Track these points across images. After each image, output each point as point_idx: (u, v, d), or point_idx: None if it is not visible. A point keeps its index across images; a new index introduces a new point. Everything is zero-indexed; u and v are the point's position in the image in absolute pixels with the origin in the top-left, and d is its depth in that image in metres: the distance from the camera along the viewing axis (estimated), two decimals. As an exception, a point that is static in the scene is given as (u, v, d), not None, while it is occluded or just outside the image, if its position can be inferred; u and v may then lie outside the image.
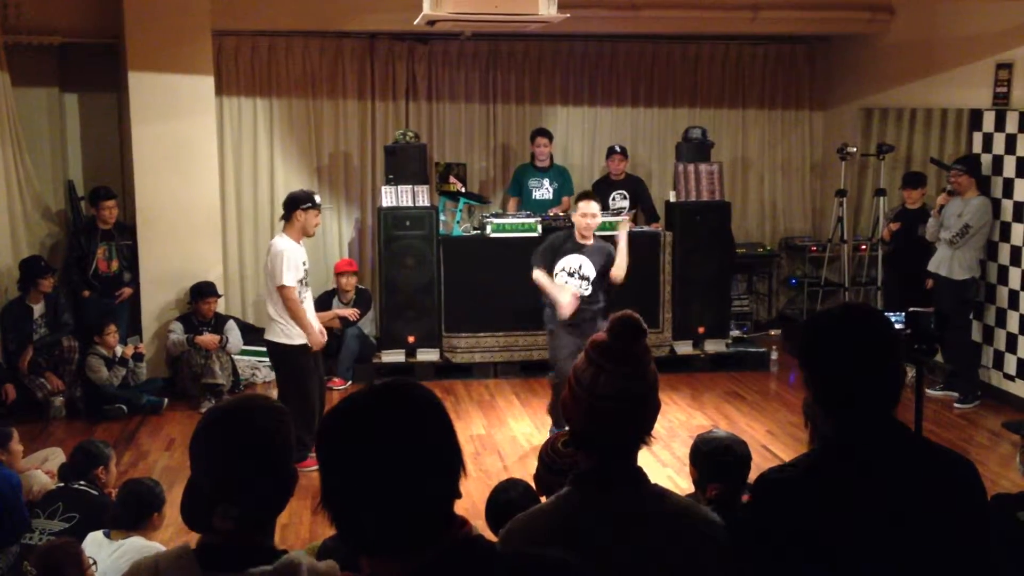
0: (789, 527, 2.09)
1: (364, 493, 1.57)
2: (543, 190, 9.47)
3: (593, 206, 6.91)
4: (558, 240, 7.03)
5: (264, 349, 7.14)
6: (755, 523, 2.18)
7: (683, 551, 2.10)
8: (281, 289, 6.46)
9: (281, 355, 6.63)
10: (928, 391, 7.93)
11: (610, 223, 8.72)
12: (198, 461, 2.16)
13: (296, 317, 6.51)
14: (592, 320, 6.76)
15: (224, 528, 2.07)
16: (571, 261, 6.92)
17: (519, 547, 2.05)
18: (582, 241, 6.91)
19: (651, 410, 2.18)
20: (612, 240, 7.00)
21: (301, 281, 6.59)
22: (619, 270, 6.86)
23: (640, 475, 2.17)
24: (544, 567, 1.70)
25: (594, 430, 2.14)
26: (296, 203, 6.58)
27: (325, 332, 6.92)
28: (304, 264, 6.64)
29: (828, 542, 2.06)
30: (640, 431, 2.16)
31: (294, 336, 6.56)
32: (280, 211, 6.80)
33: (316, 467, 1.67)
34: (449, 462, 1.63)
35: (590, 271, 6.87)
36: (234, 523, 2.06)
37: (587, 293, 6.86)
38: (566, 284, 6.86)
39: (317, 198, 6.70)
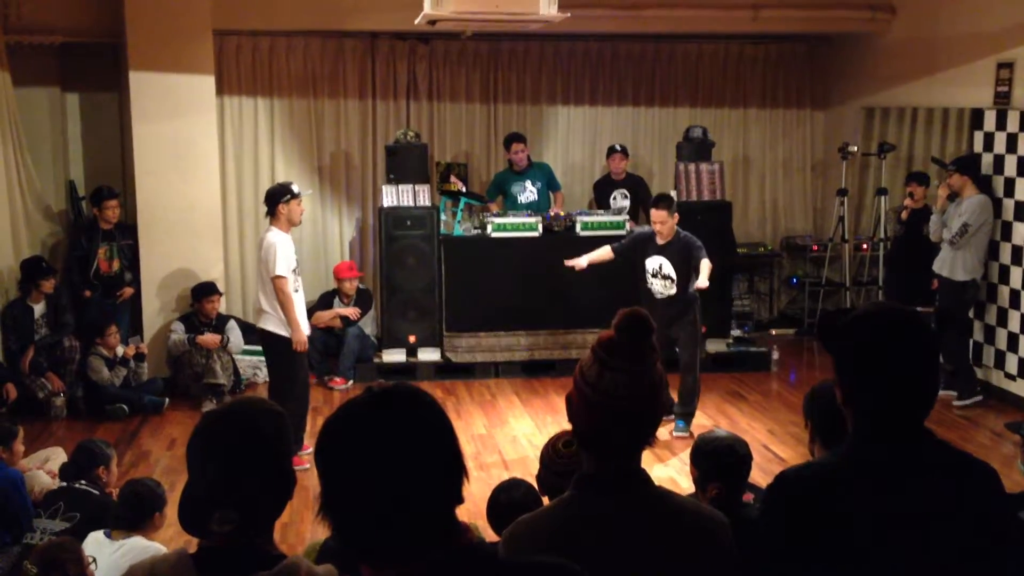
0: (806, 526, 2.08)
1: (364, 500, 1.55)
2: (527, 192, 9.45)
3: (657, 214, 7.20)
4: (642, 237, 7.45)
5: (262, 347, 7.13)
6: (771, 519, 2.17)
7: (688, 552, 2.10)
8: (276, 280, 6.55)
9: (276, 344, 6.69)
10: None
11: (612, 222, 8.78)
12: (195, 465, 2.14)
13: (286, 310, 6.60)
14: (678, 317, 7.22)
15: (222, 532, 2.06)
16: (653, 262, 7.29)
17: (521, 550, 2.05)
18: (661, 242, 7.24)
19: (655, 411, 2.16)
20: (688, 242, 7.24)
21: (293, 271, 6.71)
22: (701, 281, 7.08)
23: (643, 476, 2.16)
24: (545, 574, 1.69)
25: (597, 429, 2.13)
26: (276, 197, 6.70)
27: (308, 331, 6.93)
28: (295, 254, 6.78)
29: (845, 542, 2.05)
30: (643, 431, 2.15)
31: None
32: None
33: (306, 465, 1.66)
34: (450, 467, 1.61)
35: (670, 270, 7.20)
36: (232, 527, 2.05)
37: (672, 292, 7.21)
38: (652, 284, 7.25)
39: (295, 188, 6.82)
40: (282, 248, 6.59)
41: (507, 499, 3.65)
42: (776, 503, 2.18)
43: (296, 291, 6.71)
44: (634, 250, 7.43)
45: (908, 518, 2.05)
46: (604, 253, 7.58)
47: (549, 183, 9.61)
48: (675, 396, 7.42)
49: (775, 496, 2.18)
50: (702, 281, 7.04)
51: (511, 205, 9.40)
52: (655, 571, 2.08)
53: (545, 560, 1.76)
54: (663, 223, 7.18)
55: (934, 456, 2.14)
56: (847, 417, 2.17)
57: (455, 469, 1.61)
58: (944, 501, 2.08)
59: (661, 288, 7.25)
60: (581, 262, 7.59)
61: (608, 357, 2.11)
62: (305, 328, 6.77)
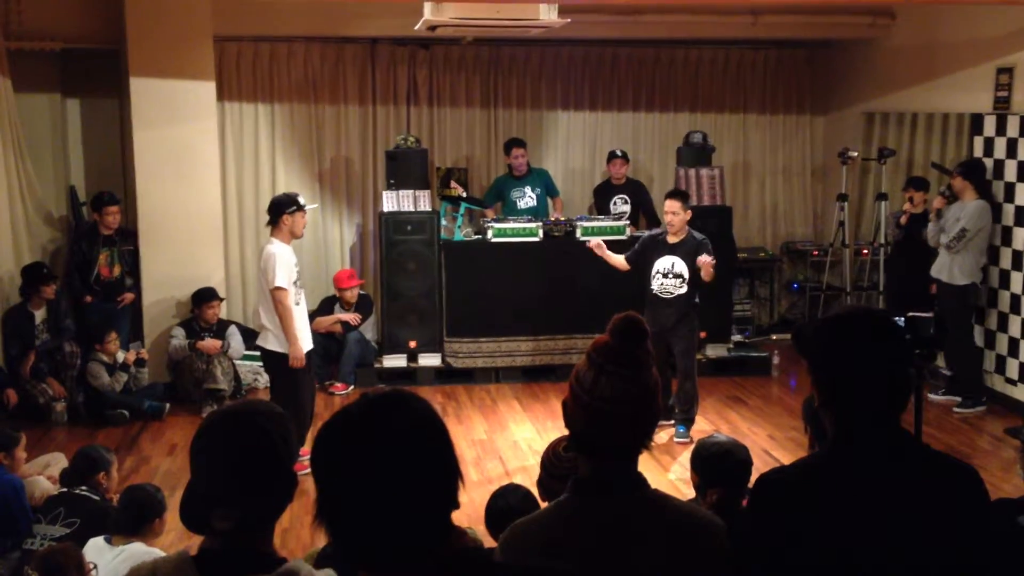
0: (786, 528, 2.09)
1: (359, 505, 1.56)
2: (527, 198, 9.46)
3: (671, 204, 7.24)
4: (649, 241, 7.47)
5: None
6: (753, 523, 2.19)
7: (684, 556, 2.10)
8: (275, 291, 6.43)
9: (275, 362, 6.60)
10: (930, 395, 7.93)
11: (612, 227, 8.79)
12: (198, 464, 2.16)
13: (285, 323, 6.45)
14: (682, 318, 7.23)
15: (223, 528, 2.07)
16: (665, 262, 7.29)
17: (518, 554, 2.05)
18: (672, 240, 7.26)
19: (651, 414, 2.17)
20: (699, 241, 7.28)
21: (295, 283, 6.59)
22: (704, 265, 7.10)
23: (640, 480, 2.16)
24: None
25: (594, 433, 2.14)
26: (281, 208, 6.56)
27: (311, 344, 6.76)
28: (296, 265, 6.66)
29: (825, 544, 2.06)
30: (640, 435, 2.15)
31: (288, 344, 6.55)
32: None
33: (307, 471, 1.66)
34: (445, 472, 1.61)
35: (683, 269, 7.22)
36: (233, 525, 2.06)
37: (683, 291, 7.23)
38: (662, 284, 7.24)
39: (301, 200, 6.70)
40: (282, 259, 6.45)
41: (504, 504, 3.65)
42: (755, 507, 2.20)
43: (297, 304, 6.58)
44: (644, 254, 7.44)
45: (886, 519, 2.06)
46: (619, 261, 7.56)
47: (548, 189, 9.63)
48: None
49: (755, 500, 2.20)
50: (704, 257, 7.04)
51: (510, 211, 9.40)
52: (651, 574, 2.08)
53: (541, 565, 1.76)
54: (675, 214, 7.21)
55: (913, 458, 2.15)
56: (824, 420, 2.19)
57: (450, 474, 1.62)
58: (923, 502, 2.09)
59: (671, 287, 7.25)
60: (606, 253, 7.55)
61: (604, 362, 2.12)
62: (307, 343, 6.63)
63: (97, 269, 8.41)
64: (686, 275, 7.22)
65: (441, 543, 1.60)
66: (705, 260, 7.06)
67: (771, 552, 2.11)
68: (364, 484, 1.56)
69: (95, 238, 8.44)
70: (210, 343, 8.27)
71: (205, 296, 8.42)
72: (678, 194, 7.38)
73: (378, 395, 1.64)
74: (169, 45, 8.42)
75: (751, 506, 2.23)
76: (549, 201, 9.65)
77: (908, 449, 2.16)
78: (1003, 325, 8.12)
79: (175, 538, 5.11)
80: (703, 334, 8.87)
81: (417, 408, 1.63)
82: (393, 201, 8.83)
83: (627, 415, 2.12)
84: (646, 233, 7.96)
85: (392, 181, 8.92)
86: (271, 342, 6.56)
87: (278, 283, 6.42)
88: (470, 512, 5.25)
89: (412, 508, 1.56)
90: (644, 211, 9.59)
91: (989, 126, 8.22)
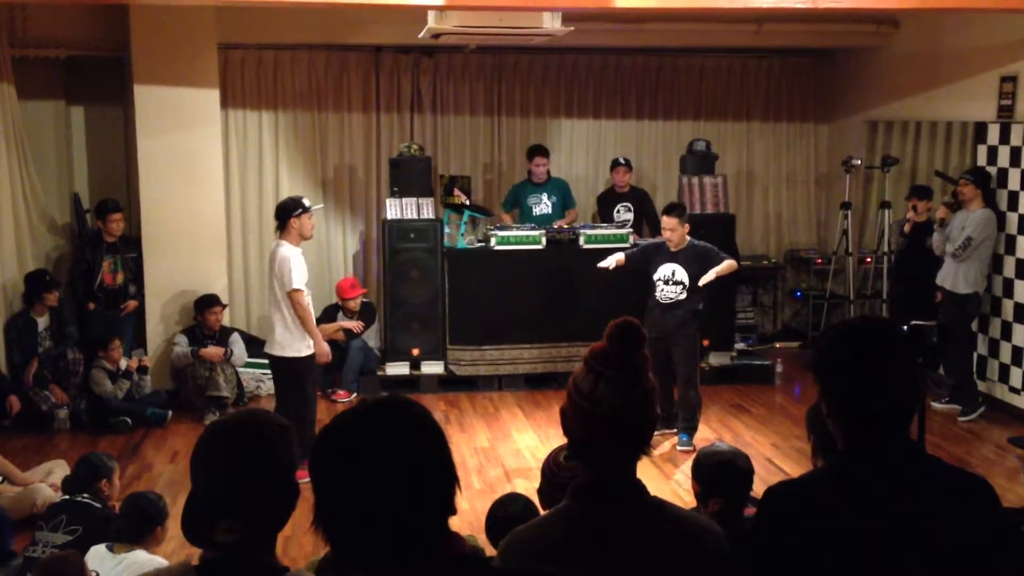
0: (795, 540, 2.08)
1: (356, 510, 1.57)
2: (543, 205, 9.46)
3: (668, 221, 7.29)
4: (651, 248, 7.56)
5: (267, 361, 7.03)
6: (761, 535, 2.18)
7: (683, 562, 2.10)
8: (293, 293, 6.45)
9: (287, 368, 6.60)
10: (933, 404, 7.93)
11: (615, 235, 8.78)
12: (199, 475, 2.15)
13: (305, 324, 6.50)
14: (683, 324, 7.29)
15: (225, 541, 2.06)
16: (665, 269, 7.33)
17: (517, 560, 2.05)
18: (674, 249, 7.31)
19: (649, 419, 2.17)
20: (706, 251, 7.35)
21: (306, 284, 6.61)
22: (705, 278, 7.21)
23: (639, 487, 2.16)
24: None
25: (593, 439, 2.13)
26: (288, 211, 6.59)
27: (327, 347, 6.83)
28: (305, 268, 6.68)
29: (834, 556, 2.05)
30: (639, 440, 2.15)
31: (301, 348, 6.56)
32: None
33: (308, 479, 1.67)
34: (442, 478, 1.62)
35: (683, 276, 7.27)
36: (235, 537, 2.06)
37: (683, 297, 7.28)
38: (663, 291, 7.30)
39: (306, 202, 6.72)
40: (296, 261, 6.49)
41: (505, 513, 3.65)
42: (763, 520, 2.19)
43: (308, 305, 6.62)
44: (643, 260, 7.47)
45: (897, 531, 2.05)
46: (620, 258, 7.60)
47: (564, 200, 9.59)
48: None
49: (762, 513, 2.19)
50: (708, 276, 7.13)
51: (526, 217, 9.41)
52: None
53: (538, 570, 1.76)
54: (672, 230, 7.24)
55: (923, 469, 2.14)
56: (833, 430, 2.19)
57: (447, 479, 1.62)
58: (935, 514, 2.08)
59: (672, 294, 7.28)
60: (610, 262, 7.56)
61: (602, 368, 2.12)
62: (311, 347, 6.63)
63: (100, 276, 8.42)
64: (686, 282, 7.25)
65: (438, 548, 1.60)
66: (708, 279, 7.17)
67: (779, 564, 2.10)
68: (361, 488, 1.57)
69: (98, 245, 8.45)
70: (213, 350, 8.27)
71: (208, 303, 8.42)
72: (674, 209, 7.36)
73: (375, 400, 1.65)
74: (173, 53, 8.44)
75: (760, 520, 2.22)
76: (565, 213, 9.61)
77: (918, 460, 2.15)
78: (1007, 334, 8.10)
79: (176, 546, 5.11)
80: (706, 342, 8.88)
81: (414, 413, 1.64)
82: (396, 209, 8.84)
83: (626, 421, 2.11)
84: (650, 240, 7.97)
85: (395, 189, 8.93)
86: (282, 348, 6.56)
87: (296, 285, 6.46)
88: (472, 520, 5.26)
89: (409, 512, 1.57)
90: (647, 220, 9.58)
91: (993, 135, 8.21)
